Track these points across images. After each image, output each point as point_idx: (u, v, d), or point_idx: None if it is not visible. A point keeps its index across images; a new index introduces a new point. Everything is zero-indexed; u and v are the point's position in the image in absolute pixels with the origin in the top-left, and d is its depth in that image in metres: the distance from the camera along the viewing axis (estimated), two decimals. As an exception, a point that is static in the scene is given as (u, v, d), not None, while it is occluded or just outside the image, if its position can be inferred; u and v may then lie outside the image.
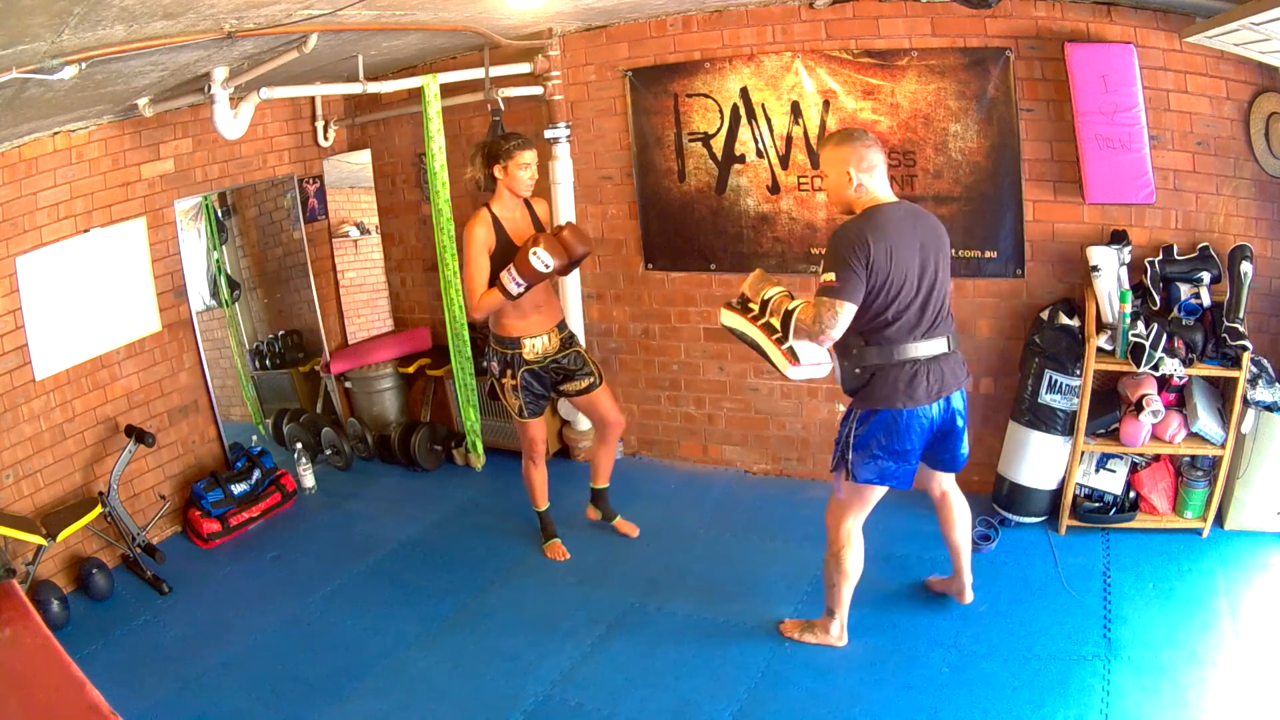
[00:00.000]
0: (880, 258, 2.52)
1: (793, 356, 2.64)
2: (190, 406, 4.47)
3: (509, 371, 3.57)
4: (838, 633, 3.06)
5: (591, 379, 3.67)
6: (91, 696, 2.22)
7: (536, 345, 3.55)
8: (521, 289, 3.29)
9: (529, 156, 3.40)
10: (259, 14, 2.63)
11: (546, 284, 3.50)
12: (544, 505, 3.89)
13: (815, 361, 2.68)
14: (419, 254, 5.14)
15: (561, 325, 3.64)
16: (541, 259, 3.26)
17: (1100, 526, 3.59)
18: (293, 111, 4.82)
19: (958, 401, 2.77)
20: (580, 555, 3.85)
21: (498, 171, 3.40)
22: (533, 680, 3.08)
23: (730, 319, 2.87)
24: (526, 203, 3.53)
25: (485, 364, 3.71)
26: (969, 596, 3.18)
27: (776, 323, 2.69)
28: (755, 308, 2.80)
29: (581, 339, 4.61)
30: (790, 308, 2.64)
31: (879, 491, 2.83)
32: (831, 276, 2.53)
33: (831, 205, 2.75)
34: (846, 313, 2.53)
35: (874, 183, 2.65)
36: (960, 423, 2.81)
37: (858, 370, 2.70)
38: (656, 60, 4.17)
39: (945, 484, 3.05)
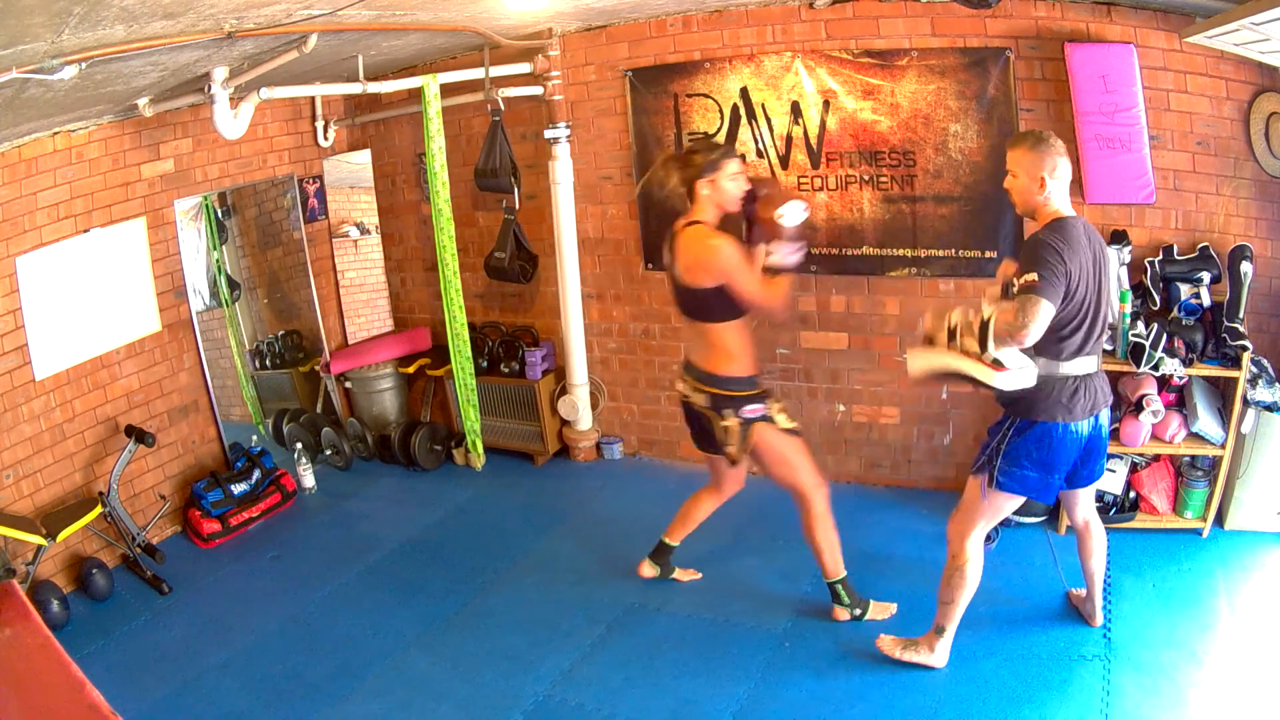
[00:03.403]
0: (1075, 272, 2.48)
1: (998, 365, 2.52)
2: (190, 406, 4.47)
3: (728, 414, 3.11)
4: (941, 653, 2.92)
5: (728, 450, 3.11)
6: (91, 696, 2.23)
7: (683, 385, 3.16)
8: (796, 253, 2.94)
9: (737, 164, 2.98)
10: (259, 14, 2.63)
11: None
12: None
13: (1020, 365, 2.56)
14: (419, 254, 5.14)
15: (702, 378, 3.07)
16: (793, 211, 2.86)
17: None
18: (293, 111, 4.82)
19: (1104, 418, 2.72)
20: (580, 555, 3.85)
21: (703, 187, 2.95)
22: (533, 680, 3.08)
23: (922, 360, 2.69)
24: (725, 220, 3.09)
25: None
26: (1099, 620, 3.08)
27: (973, 343, 2.56)
28: (943, 339, 2.64)
29: (581, 340, 4.62)
30: (985, 318, 2.53)
31: (1014, 502, 2.78)
32: (1034, 276, 2.44)
33: (1015, 206, 2.69)
34: (1046, 311, 2.43)
35: (1060, 192, 2.59)
36: (1105, 439, 2.76)
37: None
38: (656, 60, 4.17)
39: (1089, 514, 2.97)
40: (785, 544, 3.77)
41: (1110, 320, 3.37)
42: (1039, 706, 2.73)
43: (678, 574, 3.61)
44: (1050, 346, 2.58)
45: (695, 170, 2.96)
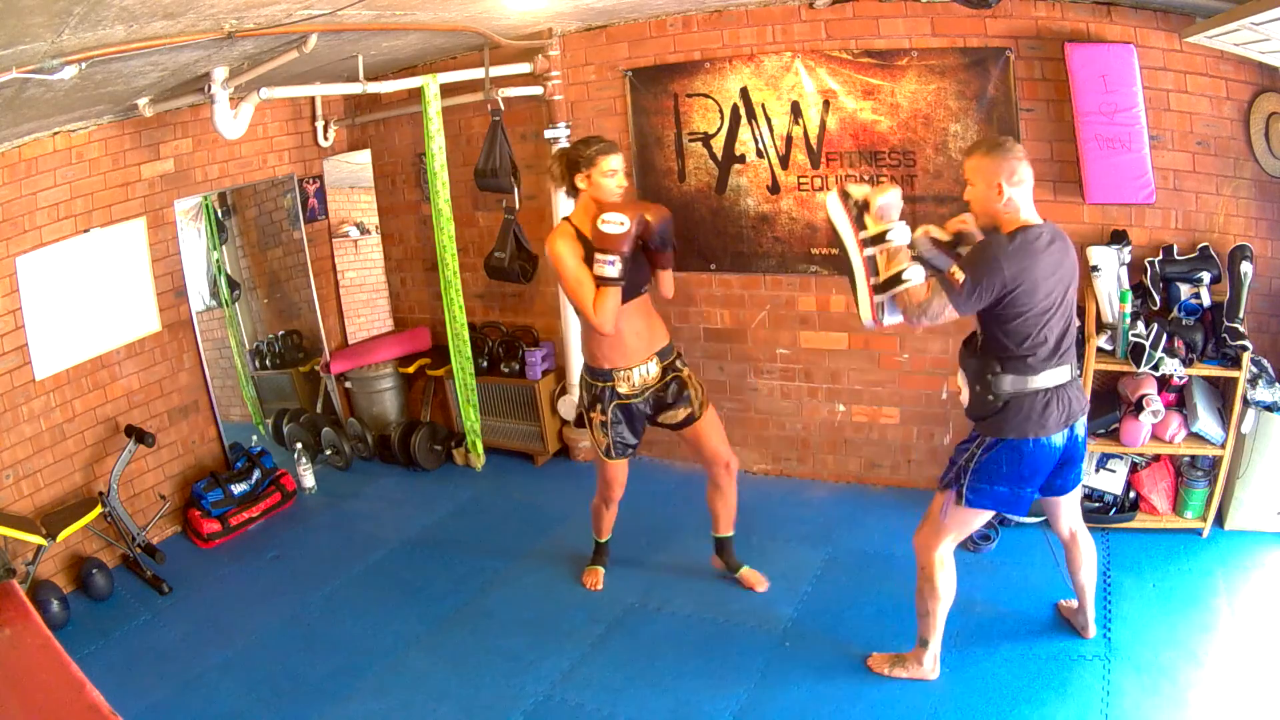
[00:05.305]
0: (1024, 287, 2.42)
1: (879, 313, 2.59)
2: (190, 406, 4.47)
3: (598, 406, 3.19)
4: (930, 665, 2.87)
5: (689, 410, 3.24)
6: (91, 696, 2.23)
7: (633, 377, 3.16)
8: (617, 265, 2.88)
9: (615, 161, 3.01)
10: (259, 14, 2.63)
11: (648, 306, 3.19)
12: (605, 538, 3.66)
13: (895, 322, 2.64)
14: (419, 254, 5.14)
15: (665, 351, 3.23)
16: (613, 221, 2.85)
17: (1100, 526, 3.58)
18: (293, 111, 4.82)
19: (1080, 428, 2.66)
20: (580, 555, 3.84)
21: (580, 181, 3.02)
22: (533, 680, 3.08)
23: (839, 217, 2.63)
24: None
25: (579, 388, 3.39)
26: (1093, 631, 3.03)
27: (883, 269, 2.56)
28: (869, 230, 2.58)
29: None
30: (904, 273, 2.52)
31: (984, 516, 2.73)
32: (961, 279, 2.43)
33: (976, 217, 2.64)
34: (949, 316, 2.47)
35: (1022, 198, 2.51)
36: (1082, 449, 2.71)
37: (991, 398, 2.57)
38: (656, 60, 4.17)
39: (1074, 525, 2.89)
40: (785, 544, 3.77)
41: (1111, 320, 3.40)
42: (1039, 706, 2.73)
43: (743, 574, 3.52)
44: (1015, 362, 2.53)
45: (573, 164, 3.04)
